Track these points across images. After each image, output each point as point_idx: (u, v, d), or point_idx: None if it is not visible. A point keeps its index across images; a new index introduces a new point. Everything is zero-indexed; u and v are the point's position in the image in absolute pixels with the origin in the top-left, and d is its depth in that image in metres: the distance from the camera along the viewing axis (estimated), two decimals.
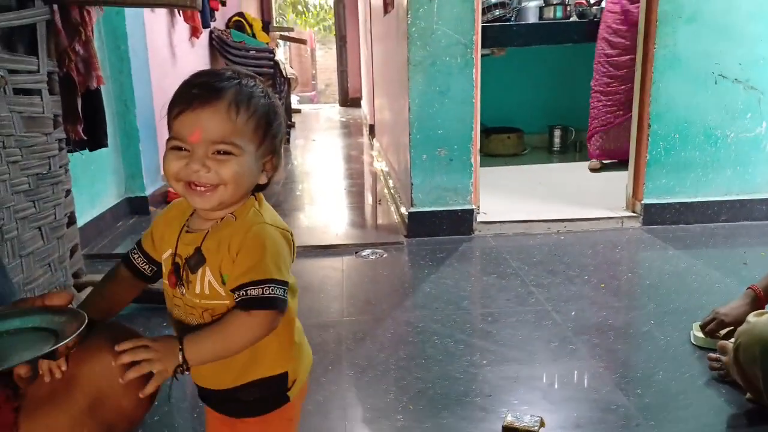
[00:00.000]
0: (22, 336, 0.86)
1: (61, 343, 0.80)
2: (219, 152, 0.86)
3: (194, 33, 4.59)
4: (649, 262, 2.58)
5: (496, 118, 4.54)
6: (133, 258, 1.02)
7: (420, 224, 2.81)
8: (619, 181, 3.18)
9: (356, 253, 2.65)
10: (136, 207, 3.34)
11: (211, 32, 5.24)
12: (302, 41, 8.76)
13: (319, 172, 4.77)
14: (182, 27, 4.44)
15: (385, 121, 4.27)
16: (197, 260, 0.91)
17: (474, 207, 2.83)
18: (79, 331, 0.82)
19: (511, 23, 3.98)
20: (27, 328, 0.87)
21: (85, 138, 2.24)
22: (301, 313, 1.02)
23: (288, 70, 5.92)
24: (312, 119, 8.49)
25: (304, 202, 3.85)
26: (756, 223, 2.91)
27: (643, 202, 2.92)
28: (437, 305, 2.08)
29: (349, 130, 7.19)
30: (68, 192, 2.01)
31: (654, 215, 2.92)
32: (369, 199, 3.86)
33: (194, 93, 0.85)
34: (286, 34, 7.42)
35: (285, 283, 0.88)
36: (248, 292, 0.86)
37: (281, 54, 6.06)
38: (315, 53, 12.40)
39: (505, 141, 4.49)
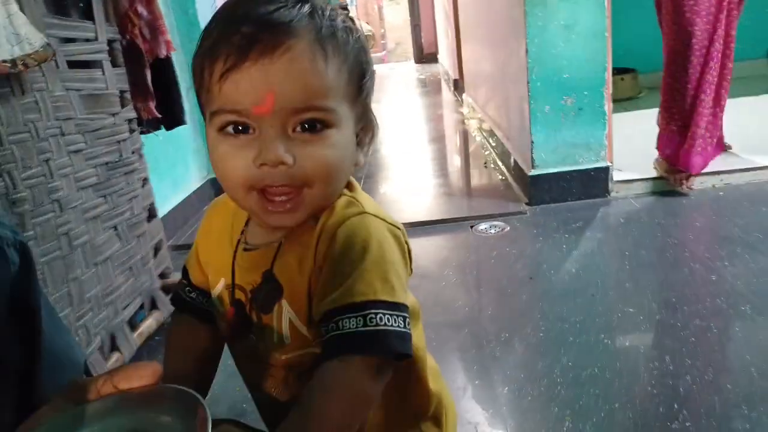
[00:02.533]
0: None
1: None
2: (306, 126, 0.54)
3: None
4: None
5: None
6: (189, 297, 0.69)
7: (544, 188, 2.38)
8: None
9: (472, 227, 2.26)
10: (221, 187, 3.07)
11: None
12: None
13: (406, 136, 4.37)
14: None
15: (481, 71, 3.79)
16: (269, 292, 0.59)
17: (609, 164, 2.35)
18: None
19: None
20: None
21: (159, 116, 1.95)
22: (423, 309, 0.66)
23: (364, 27, 5.51)
24: (387, 79, 8.06)
25: (397, 171, 3.47)
26: None
27: None
28: (593, 291, 1.67)
29: (430, 87, 6.71)
30: (145, 181, 1.73)
31: None
32: (470, 162, 3.44)
33: (249, 32, 0.51)
34: None
35: (402, 308, 0.54)
36: (340, 324, 0.52)
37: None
38: (383, 10, 11.85)
39: (619, 83, 3.88)
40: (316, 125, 0.54)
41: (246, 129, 0.54)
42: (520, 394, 1.27)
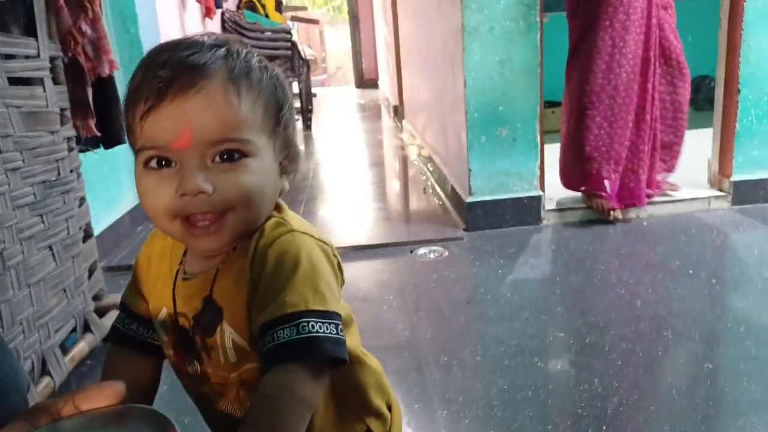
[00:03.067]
0: None
1: None
2: (224, 156, 0.58)
3: (207, 14, 4.24)
4: (757, 248, 2.22)
5: None
6: (128, 329, 0.71)
7: (480, 215, 2.47)
8: (691, 153, 2.79)
9: (411, 252, 2.32)
10: None
11: (222, 14, 4.88)
12: (314, 21, 8.38)
13: (347, 161, 4.42)
14: (194, 8, 4.09)
15: (421, 100, 3.91)
16: (210, 316, 0.62)
17: (541, 193, 2.48)
18: None
19: None
20: None
21: (99, 134, 1.90)
22: (365, 333, 0.71)
23: (306, 50, 5.55)
24: (328, 103, 8.13)
25: (338, 194, 3.51)
26: None
27: (732, 179, 2.55)
28: (526, 315, 1.74)
29: (370, 113, 6.82)
30: (82, 200, 1.69)
31: (745, 193, 2.55)
32: (409, 187, 3.51)
33: (166, 76, 0.56)
34: (297, 14, 7.03)
35: (334, 316, 0.58)
36: (276, 335, 0.56)
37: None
38: (324, 35, 11.96)
39: (549, 116, 4.08)
40: (233, 155, 0.58)
41: (168, 163, 0.57)
42: (458, 417, 1.31)
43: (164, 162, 0.57)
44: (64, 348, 1.54)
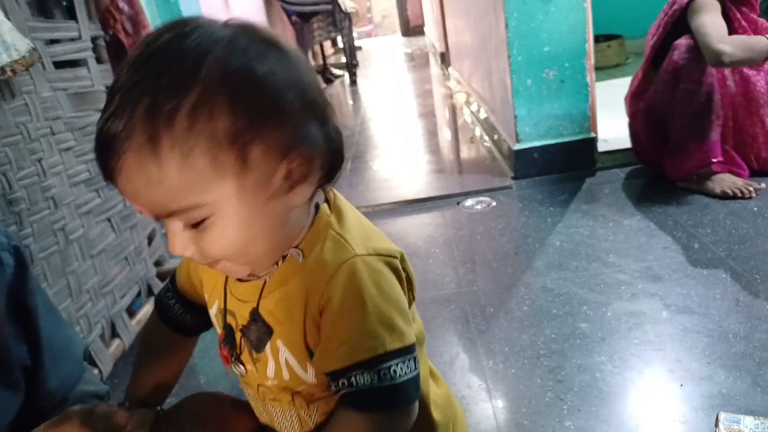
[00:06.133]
0: None
1: None
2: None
3: None
4: None
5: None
6: (167, 304, 0.72)
7: (529, 162, 2.42)
8: None
9: (458, 203, 2.31)
10: None
11: None
12: None
13: (393, 112, 4.39)
14: None
15: (465, 45, 3.80)
16: (259, 333, 0.59)
17: (594, 135, 2.39)
18: None
19: None
20: None
21: None
22: None
23: (347, 4, 5.46)
24: (374, 55, 8.03)
25: (385, 149, 3.50)
26: None
27: None
28: (576, 263, 1.72)
29: (417, 61, 6.70)
30: None
31: None
32: (457, 137, 3.46)
33: (97, 154, 0.50)
34: None
35: (410, 350, 0.55)
36: (353, 381, 0.53)
37: None
38: None
39: (605, 50, 3.90)
40: (189, 223, 0.52)
41: None
42: (504, 367, 1.33)
43: None
44: (132, 312, 1.65)
